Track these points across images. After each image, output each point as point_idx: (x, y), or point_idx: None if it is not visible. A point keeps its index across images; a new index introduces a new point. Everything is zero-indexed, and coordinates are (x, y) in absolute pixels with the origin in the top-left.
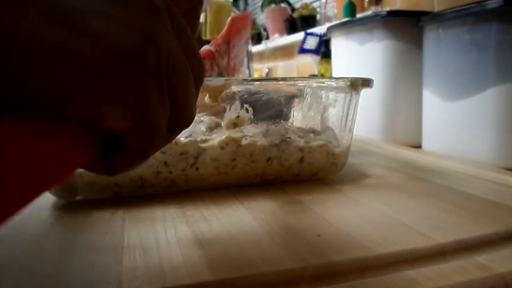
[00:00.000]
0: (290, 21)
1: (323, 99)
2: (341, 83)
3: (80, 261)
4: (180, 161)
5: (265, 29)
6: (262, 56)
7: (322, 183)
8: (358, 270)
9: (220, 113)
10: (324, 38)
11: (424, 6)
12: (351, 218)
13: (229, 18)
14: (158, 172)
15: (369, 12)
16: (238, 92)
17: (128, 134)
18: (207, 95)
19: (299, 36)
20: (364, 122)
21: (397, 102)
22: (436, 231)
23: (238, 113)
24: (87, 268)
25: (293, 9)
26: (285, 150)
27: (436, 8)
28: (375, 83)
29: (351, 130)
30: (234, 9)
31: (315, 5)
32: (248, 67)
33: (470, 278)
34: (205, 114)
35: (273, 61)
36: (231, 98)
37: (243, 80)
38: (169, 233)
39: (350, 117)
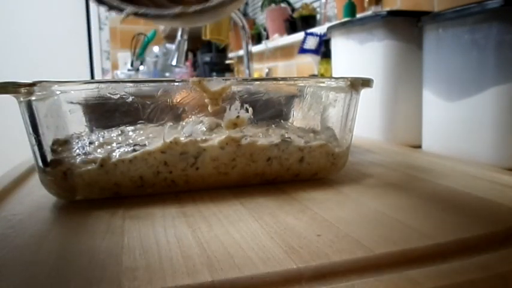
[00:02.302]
0: (290, 21)
1: (323, 99)
2: (341, 83)
3: (80, 261)
4: (180, 161)
5: (265, 29)
6: (262, 56)
7: (322, 183)
8: (358, 270)
9: (220, 113)
10: (324, 38)
11: (424, 6)
12: (351, 218)
13: None
14: (158, 172)
15: (369, 12)
16: (238, 92)
17: None
18: (207, 98)
19: (299, 36)
20: (364, 122)
21: (397, 102)
22: (436, 231)
23: (238, 113)
24: (87, 268)
25: (293, 9)
26: (285, 150)
27: (436, 8)
28: (375, 83)
29: (351, 130)
30: None
31: (315, 5)
32: (248, 67)
33: (470, 278)
34: (205, 115)
35: (273, 61)
36: (231, 98)
37: (243, 80)
38: (169, 232)
39: (350, 117)
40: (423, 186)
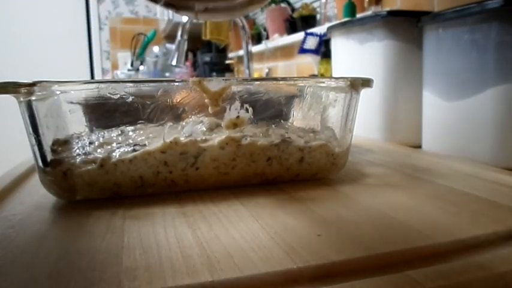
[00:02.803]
0: (290, 21)
1: (323, 99)
2: (341, 83)
3: (80, 261)
4: (180, 161)
5: (265, 29)
6: (262, 56)
7: (322, 183)
8: (358, 270)
9: (220, 113)
10: (324, 38)
11: (424, 6)
12: (350, 218)
13: None
14: (158, 172)
15: (369, 12)
16: (238, 92)
17: None
18: (207, 99)
19: (299, 36)
20: (364, 122)
21: (397, 102)
22: (436, 231)
23: (238, 113)
24: (87, 268)
25: (293, 9)
26: (285, 150)
27: (436, 8)
28: (375, 83)
29: (351, 130)
30: None
31: (315, 5)
32: (248, 67)
33: (470, 278)
34: (205, 115)
35: (273, 61)
36: (231, 98)
37: (243, 80)
38: (169, 232)
39: (350, 117)
40: (423, 186)
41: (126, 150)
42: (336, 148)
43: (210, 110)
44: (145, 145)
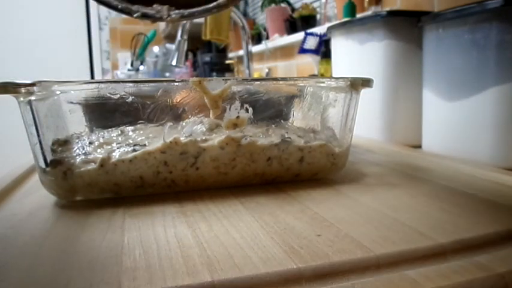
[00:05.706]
0: (290, 21)
1: (323, 99)
2: (341, 83)
3: (80, 261)
4: (180, 161)
5: (265, 29)
6: (262, 56)
7: (322, 183)
8: (358, 270)
9: (220, 114)
10: (324, 38)
11: (424, 6)
12: (350, 218)
13: None
14: (158, 172)
15: (369, 12)
16: (238, 92)
17: None
18: (207, 101)
19: (299, 36)
20: (364, 122)
21: (397, 102)
22: (436, 231)
23: (238, 113)
24: (87, 268)
25: (293, 9)
26: (285, 150)
27: (436, 8)
28: (375, 83)
29: (351, 130)
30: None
31: (315, 5)
32: (248, 67)
33: (470, 278)
34: (205, 115)
35: (273, 61)
36: (231, 98)
37: (243, 80)
38: (169, 232)
39: (350, 117)
40: (423, 186)
41: (126, 150)
42: (336, 148)
43: (211, 115)
44: (145, 145)
